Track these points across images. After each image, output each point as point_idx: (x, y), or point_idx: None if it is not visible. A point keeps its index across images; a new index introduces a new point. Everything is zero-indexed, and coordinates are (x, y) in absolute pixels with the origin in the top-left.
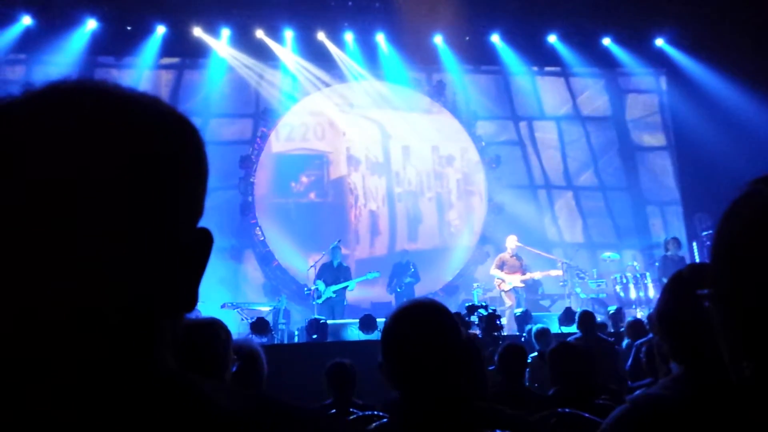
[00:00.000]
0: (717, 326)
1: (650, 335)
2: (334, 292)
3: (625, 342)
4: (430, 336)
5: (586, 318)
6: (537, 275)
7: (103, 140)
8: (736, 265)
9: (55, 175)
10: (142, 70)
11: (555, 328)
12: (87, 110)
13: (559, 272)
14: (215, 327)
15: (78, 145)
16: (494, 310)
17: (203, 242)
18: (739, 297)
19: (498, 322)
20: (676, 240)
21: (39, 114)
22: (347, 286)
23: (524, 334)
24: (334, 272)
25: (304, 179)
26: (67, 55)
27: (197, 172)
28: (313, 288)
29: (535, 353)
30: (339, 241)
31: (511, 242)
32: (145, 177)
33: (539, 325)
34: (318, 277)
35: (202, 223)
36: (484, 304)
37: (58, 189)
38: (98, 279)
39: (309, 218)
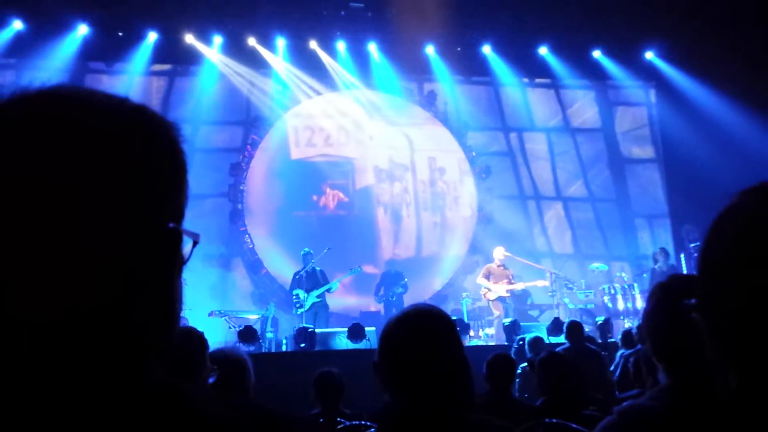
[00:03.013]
0: (704, 337)
1: (638, 346)
2: (317, 296)
3: (619, 352)
4: (430, 343)
5: (574, 328)
6: (521, 286)
7: (75, 145)
8: (723, 276)
9: (35, 178)
10: (134, 77)
11: (543, 338)
12: (51, 115)
13: (546, 282)
14: (189, 335)
15: (49, 151)
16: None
17: (177, 242)
18: (727, 309)
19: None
20: (664, 251)
21: (7, 121)
22: (329, 288)
23: (515, 345)
24: (310, 278)
25: (327, 189)
26: (58, 60)
27: (172, 171)
28: (295, 296)
29: (525, 363)
30: (328, 248)
31: (498, 253)
32: (117, 179)
33: (533, 334)
34: (295, 287)
35: (192, 229)
36: None
37: (41, 193)
38: (90, 281)
39: (334, 230)
